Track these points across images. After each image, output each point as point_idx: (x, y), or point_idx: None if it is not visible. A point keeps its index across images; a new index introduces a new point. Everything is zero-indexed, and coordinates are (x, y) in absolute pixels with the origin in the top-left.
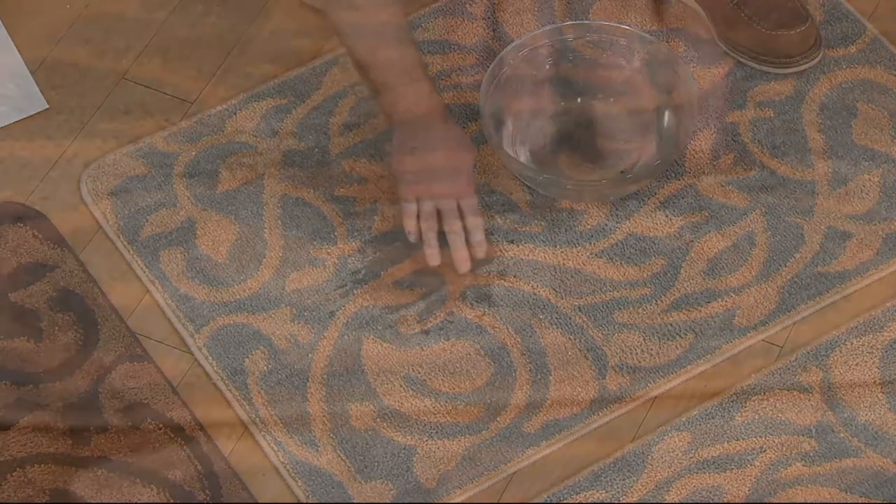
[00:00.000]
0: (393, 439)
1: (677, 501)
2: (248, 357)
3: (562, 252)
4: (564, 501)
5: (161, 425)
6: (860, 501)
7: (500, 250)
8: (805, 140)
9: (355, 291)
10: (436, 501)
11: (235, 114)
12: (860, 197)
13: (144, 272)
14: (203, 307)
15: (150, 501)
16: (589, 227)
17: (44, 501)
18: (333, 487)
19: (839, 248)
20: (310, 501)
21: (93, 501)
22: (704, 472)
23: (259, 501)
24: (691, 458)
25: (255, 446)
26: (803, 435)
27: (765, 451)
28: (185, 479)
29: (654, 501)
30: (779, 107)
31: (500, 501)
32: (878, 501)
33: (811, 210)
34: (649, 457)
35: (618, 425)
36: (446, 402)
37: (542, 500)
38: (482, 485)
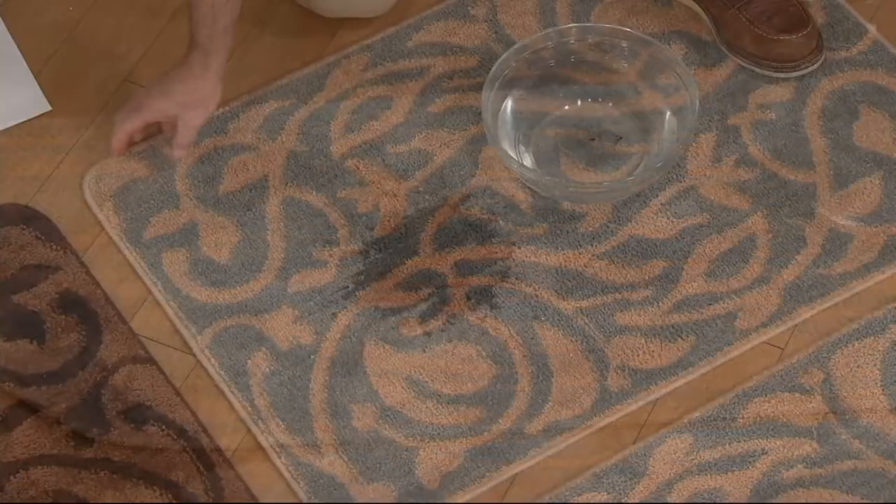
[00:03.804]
0: (395, 441)
1: (678, 503)
2: (250, 358)
3: (564, 254)
4: (566, 502)
5: (163, 427)
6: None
7: (503, 252)
8: (807, 142)
9: (357, 293)
10: (438, 502)
11: (238, 116)
12: (862, 199)
13: (147, 274)
14: (205, 308)
15: (153, 502)
16: (591, 229)
17: (46, 502)
18: (336, 489)
19: (840, 250)
20: (312, 502)
21: (95, 503)
22: (706, 475)
23: (261, 502)
24: (693, 459)
25: (257, 448)
26: (805, 437)
27: (766, 452)
28: (188, 480)
29: (656, 503)
30: (780, 109)
31: (503, 502)
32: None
33: (812, 212)
34: (651, 458)
35: (619, 427)
36: (448, 403)
37: (544, 501)
38: (484, 486)
